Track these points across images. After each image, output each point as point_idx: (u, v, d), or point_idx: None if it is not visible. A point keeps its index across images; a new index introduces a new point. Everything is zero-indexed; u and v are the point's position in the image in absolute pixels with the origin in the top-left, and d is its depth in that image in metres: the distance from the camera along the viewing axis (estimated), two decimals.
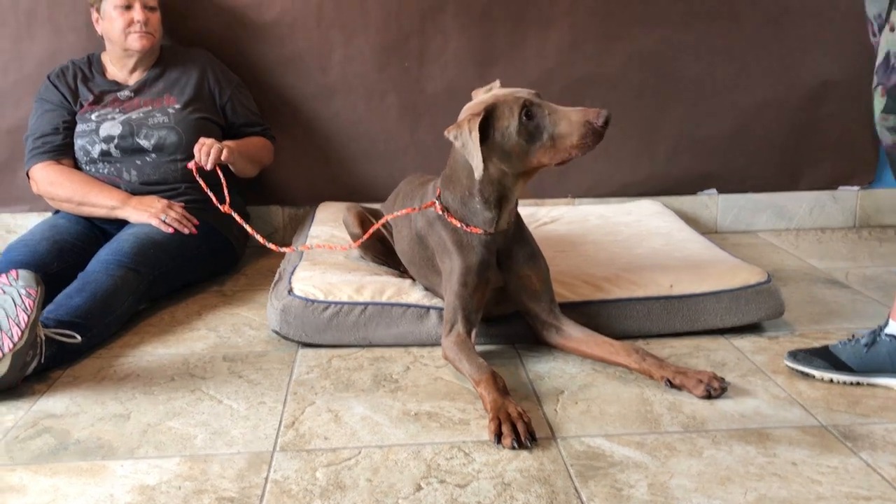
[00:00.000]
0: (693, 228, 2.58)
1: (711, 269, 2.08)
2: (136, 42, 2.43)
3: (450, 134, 1.69)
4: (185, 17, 2.69)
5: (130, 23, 2.42)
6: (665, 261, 2.19)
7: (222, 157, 2.33)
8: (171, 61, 2.56)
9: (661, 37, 2.81)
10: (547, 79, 2.79)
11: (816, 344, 1.84)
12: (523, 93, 1.71)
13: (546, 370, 1.80)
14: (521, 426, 1.48)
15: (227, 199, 2.32)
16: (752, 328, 2.01)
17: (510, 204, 1.79)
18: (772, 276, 2.07)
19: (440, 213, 1.82)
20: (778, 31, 2.83)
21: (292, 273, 2.10)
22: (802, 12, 2.81)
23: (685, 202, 2.96)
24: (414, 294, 1.97)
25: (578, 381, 1.74)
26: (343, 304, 1.93)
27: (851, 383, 1.70)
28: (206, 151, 2.32)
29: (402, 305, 1.93)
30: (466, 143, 1.66)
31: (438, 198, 1.84)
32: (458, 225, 1.80)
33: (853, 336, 1.76)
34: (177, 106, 2.48)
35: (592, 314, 1.93)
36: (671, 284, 2.00)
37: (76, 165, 2.46)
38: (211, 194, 2.33)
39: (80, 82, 2.50)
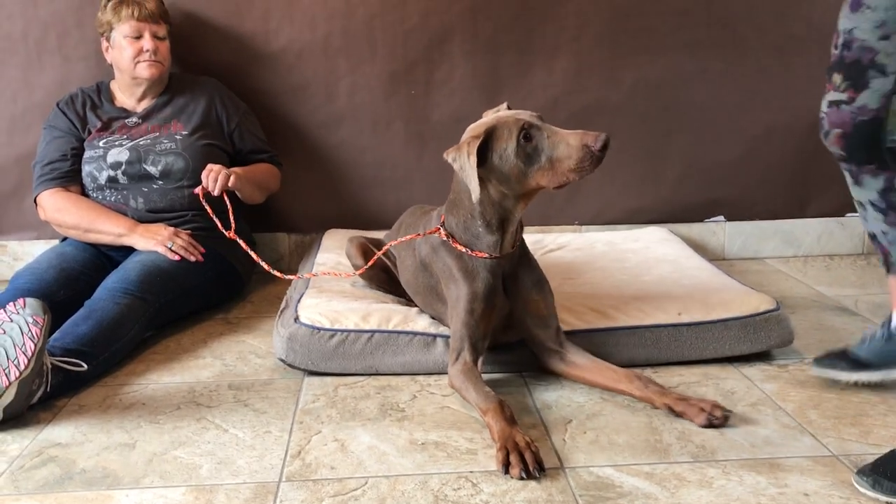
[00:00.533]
0: (701, 255, 2.56)
1: (720, 296, 2.07)
2: (145, 71, 2.46)
3: (448, 156, 1.70)
4: (193, 46, 2.71)
5: (140, 52, 2.44)
6: (673, 288, 2.18)
7: (229, 184, 2.34)
8: (180, 89, 2.58)
9: (667, 65, 2.83)
10: (553, 106, 2.80)
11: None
12: (524, 115, 1.71)
13: (554, 399, 1.78)
14: (528, 456, 1.46)
15: (233, 225, 2.33)
16: (762, 356, 1.99)
17: (512, 226, 1.79)
18: (781, 303, 2.06)
19: (444, 238, 1.82)
20: (783, 58, 2.84)
21: (298, 301, 2.09)
22: (807, 39, 2.82)
23: (693, 229, 2.96)
24: (420, 322, 1.96)
25: (586, 410, 1.72)
26: (349, 331, 1.92)
27: (874, 383, 1.77)
28: (214, 177, 2.33)
29: (408, 333, 1.93)
30: (464, 166, 1.66)
31: (443, 224, 1.84)
32: (463, 250, 1.79)
33: (864, 337, 1.80)
34: (184, 132, 2.49)
35: (600, 342, 1.92)
36: (679, 312, 1.99)
37: (84, 192, 2.47)
38: (217, 220, 2.33)
39: (89, 109, 2.52)
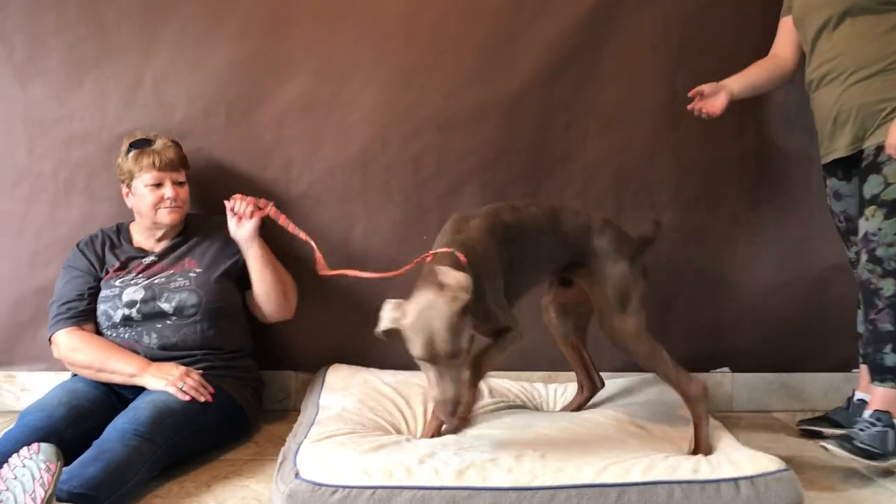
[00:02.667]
0: None
1: (728, 455, 2.06)
2: (165, 217, 2.55)
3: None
4: (215, 190, 2.82)
5: (161, 199, 2.54)
6: (680, 444, 2.16)
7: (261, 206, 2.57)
8: (195, 229, 2.66)
9: (669, 221, 2.90)
10: None
11: None
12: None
13: None
14: None
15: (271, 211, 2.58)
16: None
17: None
18: (789, 464, 2.04)
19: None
20: (784, 218, 2.93)
21: (297, 452, 2.06)
22: (808, 202, 2.92)
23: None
24: (421, 475, 1.92)
25: None
26: (351, 487, 1.87)
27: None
28: (250, 207, 2.57)
29: (409, 489, 1.87)
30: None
31: None
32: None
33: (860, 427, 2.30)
34: (198, 269, 2.55)
35: (613, 498, 1.89)
36: (694, 470, 1.96)
37: (97, 331, 2.51)
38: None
39: (108, 249, 2.60)
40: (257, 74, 2.83)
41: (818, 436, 2.59)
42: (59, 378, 2.69)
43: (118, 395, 2.43)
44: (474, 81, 2.85)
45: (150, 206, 2.54)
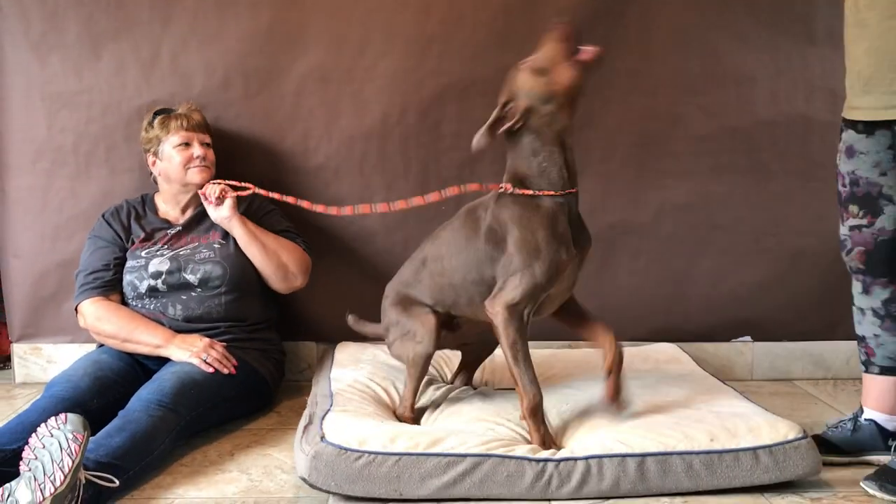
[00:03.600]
0: (715, 376, 2.53)
1: (747, 423, 2.05)
2: (196, 176, 2.56)
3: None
4: (234, 161, 2.82)
5: (190, 159, 2.56)
6: (696, 412, 2.15)
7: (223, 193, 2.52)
8: None
9: (692, 188, 2.88)
10: None
11: None
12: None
13: None
14: None
15: (250, 186, 2.56)
16: (792, 488, 1.96)
17: (568, 143, 2.06)
18: (807, 431, 2.03)
19: (511, 190, 2.05)
20: (807, 184, 2.89)
21: (323, 418, 2.09)
22: (829, 166, 2.87)
23: (720, 349, 2.95)
24: (449, 442, 1.95)
25: None
26: (376, 453, 1.90)
27: (843, 464, 2.10)
28: (214, 190, 2.53)
29: (436, 455, 1.90)
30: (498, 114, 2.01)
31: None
32: (532, 192, 2.02)
33: (836, 424, 2.17)
34: (221, 241, 2.57)
35: (631, 469, 1.90)
36: (711, 438, 1.96)
37: (123, 301, 2.54)
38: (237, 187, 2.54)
39: (134, 220, 2.62)
40: (274, 45, 2.82)
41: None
42: (83, 350, 2.74)
43: (142, 367, 2.47)
44: (494, 48, 2.81)
45: (179, 166, 2.55)
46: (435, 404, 2.31)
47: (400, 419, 2.20)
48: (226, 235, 2.58)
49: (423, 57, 2.83)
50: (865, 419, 2.15)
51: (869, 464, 2.09)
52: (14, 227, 2.86)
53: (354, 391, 2.33)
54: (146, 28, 2.80)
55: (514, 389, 2.11)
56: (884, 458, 2.07)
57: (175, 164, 2.56)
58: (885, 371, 2.14)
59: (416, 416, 2.23)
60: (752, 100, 2.87)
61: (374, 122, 2.85)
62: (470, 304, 2.14)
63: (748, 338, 2.97)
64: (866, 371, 2.17)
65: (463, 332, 2.28)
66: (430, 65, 2.83)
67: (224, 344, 2.45)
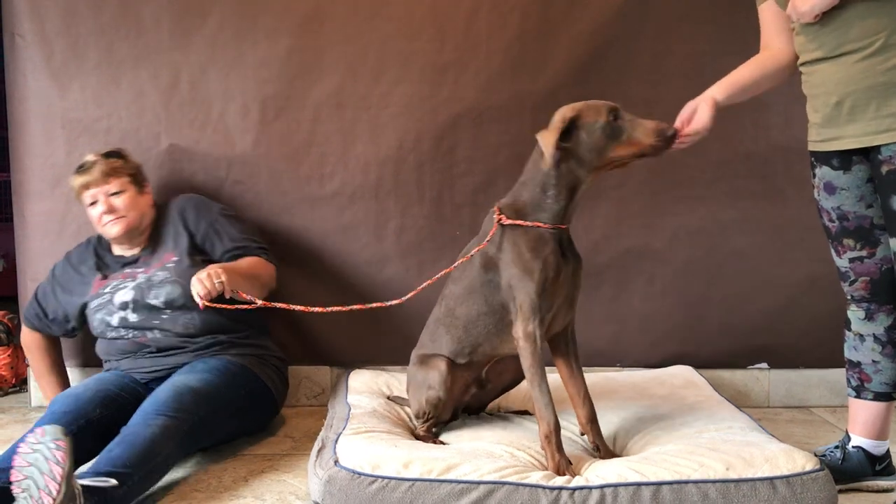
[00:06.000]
0: (730, 402, 2.51)
1: (763, 452, 2.03)
2: (111, 230, 2.55)
3: (540, 135, 1.97)
4: (248, 186, 2.85)
5: (100, 216, 2.54)
6: (711, 442, 2.13)
7: (224, 279, 2.27)
8: (161, 221, 2.64)
9: (707, 213, 2.89)
10: (594, 250, 2.85)
11: None
12: (610, 103, 1.99)
13: None
14: None
15: (256, 299, 2.29)
16: None
17: (578, 195, 2.04)
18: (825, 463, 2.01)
19: (507, 222, 2.04)
20: None
21: (336, 441, 2.09)
22: None
23: (736, 375, 2.94)
24: (463, 468, 1.94)
25: None
26: (390, 479, 1.90)
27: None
28: (210, 281, 2.26)
29: (449, 482, 1.89)
30: (546, 137, 1.94)
31: (500, 211, 2.07)
32: (529, 224, 2.02)
33: (823, 453, 2.16)
34: (175, 258, 2.56)
35: (646, 498, 1.88)
36: (727, 467, 1.94)
37: (54, 342, 2.76)
38: (240, 305, 2.34)
39: (93, 262, 2.63)
40: (291, 72, 2.86)
41: None
42: (93, 374, 2.75)
43: (146, 388, 2.46)
44: (507, 75, 2.84)
45: (95, 224, 2.57)
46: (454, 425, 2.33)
47: (418, 438, 2.22)
48: (180, 253, 2.56)
49: (438, 84, 2.86)
50: (853, 447, 2.15)
51: (866, 490, 2.11)
52: (32, 252, 2.90)
53: (372, 411, 2.34)
54: (166, 56, 2.85)
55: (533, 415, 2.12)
56: (883, 484, 2.11)
57: (93, 220, 2.58)
58: (878, 397, 2.13)
59: (437, 432, 2.25)
60: (766, 125, 2.88)
61: (390, 147, 2.87)
62: (489, 339, 2.14)
63: (765, 364, 2.95)
64: (857, 396, 2.17)
65: (494, 386, 2.33)
66: (445, 92, 2.86)
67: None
